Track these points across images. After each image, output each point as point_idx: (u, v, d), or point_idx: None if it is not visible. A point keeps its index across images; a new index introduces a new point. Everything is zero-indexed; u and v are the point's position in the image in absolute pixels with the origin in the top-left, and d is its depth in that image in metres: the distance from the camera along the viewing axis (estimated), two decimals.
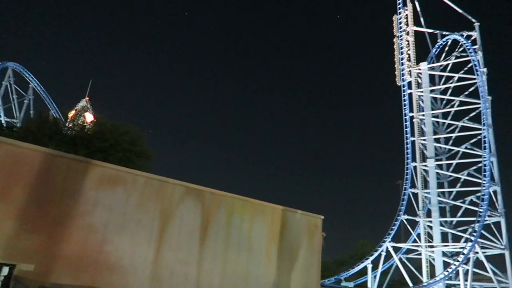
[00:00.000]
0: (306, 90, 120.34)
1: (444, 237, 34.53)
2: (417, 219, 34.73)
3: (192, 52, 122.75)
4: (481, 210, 30.83)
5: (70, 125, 20.45)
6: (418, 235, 34.57)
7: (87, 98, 43.79)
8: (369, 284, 33.29)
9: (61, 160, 8.45)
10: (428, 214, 34.92)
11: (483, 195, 31.28)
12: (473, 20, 37.64)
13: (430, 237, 34.24)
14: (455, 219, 34.81)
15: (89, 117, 31.66)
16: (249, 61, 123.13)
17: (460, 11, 38.15)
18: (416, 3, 39.44)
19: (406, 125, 36.89)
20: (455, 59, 37.84)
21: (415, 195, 35.29)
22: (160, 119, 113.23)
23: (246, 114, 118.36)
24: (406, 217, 34.88)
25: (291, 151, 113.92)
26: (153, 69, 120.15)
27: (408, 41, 38.40)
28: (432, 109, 37.36)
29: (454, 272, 29.86)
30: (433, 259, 33.44)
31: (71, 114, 33.26)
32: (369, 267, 33.38)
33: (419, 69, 38.01)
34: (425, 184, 35.52)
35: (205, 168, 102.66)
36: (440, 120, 37.23)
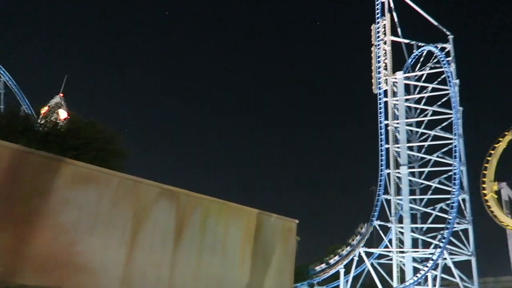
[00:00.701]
0: (282, 93, 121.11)
1: (415, 243, 35.37)
2: (389, 225, 35.44)
3: (173, 50, 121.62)
4: (450, 217, 31.78)
5: (42, 121, 19.83)
6: (390, 241, 35.27)
7: (62, 95, 42.63)
8: None
9: (31, 157, 8.16)
10: (400, 220, 35.70)
11: (453, 202, 32.25)
12: (448, 33, 38.88)
13: (401, 242, 35.01)
14: (425, 226, 35.71)
15: (62, 114, 30.81)
16: (228, 61, 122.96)
17: (436, 23, 39.35)
18: (394, 14, 40.42)
19: (381, 132, 37.65)
20: (430, 69, 38.93)
21: (388, 202, 36.01)
22: (138, 119, 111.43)
23: (224, 117, 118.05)
24: (379, 222, 35.55)
25: (266, 154, 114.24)
26: (133, 68, 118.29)
27: (385, 50, 39.27)
28: (407, 118, 38.30)
29: (423, 277, 30.62)
30: (404, 264, 34.19)
31: (44, 110, 32.27)
32: (342, 271, 33.82)
33: (395, 78, 38.92)
34: (398, 191, 36.31)
35: (183, 169, 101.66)
36: (414, 129, 38.18)
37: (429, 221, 35.40)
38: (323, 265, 34.93)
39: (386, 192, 36.25)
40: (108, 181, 8.82)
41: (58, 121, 20.44)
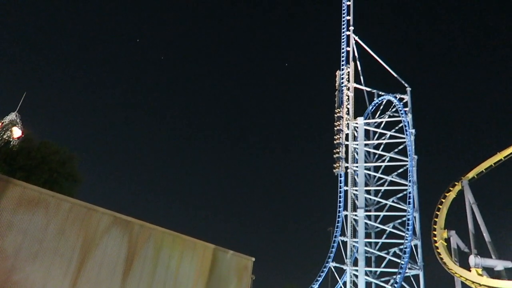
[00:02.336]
0: (244, 131, 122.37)
1: (368, 287, 35.58)
2: (344, 267, 35.60)
3: (136, 72, 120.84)
4: (402, 262, 32.43)
5: None
6: (344, 283, 35.31)
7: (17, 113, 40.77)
8: None
9: None
10: (355, 262, 35.99)
11: (405, 248, 33.03)
12: (406, 85, 41.35)
13: (355, 285, 35.10)
14: (379, 270, 36.15)
15: (16, 132, 29.39)
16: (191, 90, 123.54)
17: (395, 75, 41.83)
18: (358, 63, 42.67)
19: (340, 174, 38.53)
20: (388, 117, 40.86)
21: (344, 243, 36.36)
22: (97, 143, 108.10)
23: (186, 145, 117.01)
24: (334, 264, 35.66)
25: (225, 190, 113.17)
26: (97, 90, 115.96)
27: (348, 96, 41.01)
28: (366, 162, 39.56)
29: None
30: None
31: None
32: None
33: (356, 123, 40.48)
34: (354, 233, 36.82)
35: (141, 198, 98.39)
36: (372, 173, 39.41)
37: (383, 265, 35.92)
38: None
39: (343, 233, 36.68)
40: (58, 206, 8.40)
41: (10, 139, 19.48)
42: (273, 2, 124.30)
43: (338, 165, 38.34)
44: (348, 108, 40.68)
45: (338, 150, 38.65)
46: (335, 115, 40.38)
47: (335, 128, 39.69)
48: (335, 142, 39.14)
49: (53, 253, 8.08)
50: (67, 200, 8.70)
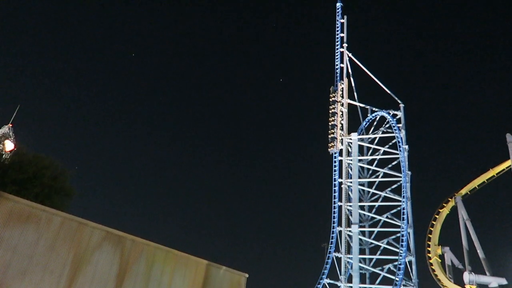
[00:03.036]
0: (240, 146, 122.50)
1: None
2: (338, 283, 35.26)
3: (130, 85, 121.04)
4: (397, 279, 32.21)
5: None
6: None
7: (11, 125, 40.59)
8: None
9: None
10: (350, 279, 35.67)
11: (400, 264, 32.85)
12: (399, 101, 41.79)
13: None
14: (373, 286, 35.81)
15: (9, 145, 29.20)
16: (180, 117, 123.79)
17: (389, 91, 42.29)
18: (352, 79, 43.18)
19: (335, 190, 38.51)
20: (382, 133, 41.12)
21: (339, 259, 36.10)
22: (91, 156, 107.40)
23: (179, 160, 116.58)
24: (328, 281, 35.30)
25: (219, 205, 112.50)
26: (90, 104, 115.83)
27: (342, 111, 41.32)
28: (359, 177, 39.61)
29: None
30: None
31: None
32: None
33: (350, 138, 40.68)
34: (349, 249, 36.61)
35: (134, 212, 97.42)
36: (366, 189, 39.43)
37: (377, 281, 35.63)
38: None
39: (337, 249, 36.43)
40: (49, 220, 8.29)
41: (2, 153, 19.32)
42: (268, 19, 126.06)
43: (332, 144, 39.47)
44: (342, 124, 40.93)
45: (333, 131, 39.73)
46: (330, 100, 41.48)
47: (330, 112, 40.71)
48: (330, 124, 40.48)
49: (43, 269, 7.93)
50: (59, 215, 8.60)
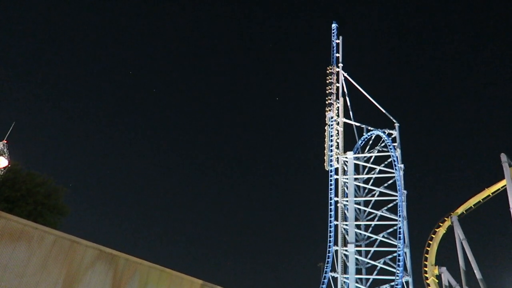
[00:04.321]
0: (235, 164, 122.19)
1: None
2: None
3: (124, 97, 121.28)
4: None
5: None
6: None
7: (5, 141, 40.34)
8: None
9: None
10: None
11: (397, 284, 32.49)
12: (394, 121, 42.12)
13: None
14: None
15: (3, 162, 28.95)
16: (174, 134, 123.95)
17: (384, 111, 42.67)
18: (347, 98, 43.62)
19: (330, 208, 38.32)
20: (378, 152, 41.27)
21: (335, 279, 35.64)
22: (85, 175, 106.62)
23: (172, 178, 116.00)
24: None
25: (213, 223, 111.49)
26: (85, 121, 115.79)
27: (338, 130, 41.53)
28: (356, 196, 39.52)
29: None
30: None
31: None
32: None
33: (346, 157, 40.76)
34: (345, 269, 36.20)
35: (127, 231, 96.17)
36: (362, 208, 39.29)
37: None
38: None
39: (333, 269, 36.01)
40: (41, 239, 8.16)
41: None
42: (263, 38, 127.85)
43: (329, 108, 41.51)
44: (337, 142, 41.09)
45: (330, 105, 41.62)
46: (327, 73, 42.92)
47: (327, 81, 42.35)
48: (326, 100, 41.86)
49: None
50: (51, 233, 8.48)
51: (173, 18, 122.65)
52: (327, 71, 43.79)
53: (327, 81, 43.29)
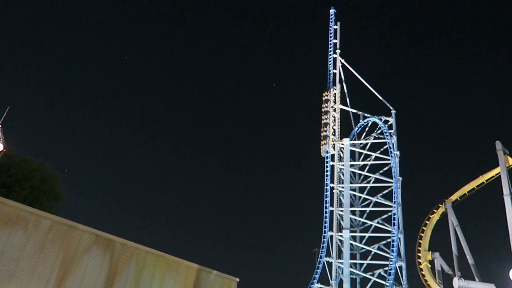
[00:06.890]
0: (231, 151, 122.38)
1: None
2: None
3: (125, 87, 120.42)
4: (387, 284, 32.33)
5: None
6: None
7: (0, 126, 40.02)
8: None
9: None
10: (340, 284, 35.67)
11: (390, 269, 32.99)
12: (391, 108, 42.14)
13: None
14: None
15: None
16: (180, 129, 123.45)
17: (381, 98, 42.64)
18: (344, 85, 43.46)
19: (326, 194, 38.60)
20: (374, 139, 41.40)
21: (329, 264, 36.12)
22: (81, 159, 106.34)
23: (170, 163, 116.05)
24: (319, 285, 35.27)
25: (209, 210, 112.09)
26: (81, 106, 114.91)
27: (334, 117, 41.53)
28: (351, 183, 39.76)
29: None
30: None
31: None
32: None
33: (342, 144, 40.85)
34: (339, 254, 36.66)
35: (124, 216, 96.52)
36: (357, 194, 39.58)
37: (368, 286, 35.71)
38: None
39: (328, 254, 36.46)
40: (37, 223, 8.16)
41: None
42: (261, 24, 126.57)
43: (324, 142, 39.85)
44: (334, 129, 41.13)
45: (325, 129, 40.22)
46: (323, 99, 41.90)
47: (322, 110, 41.30)
48: (322, 122, 41.03)
49: (30, 273, 7.80)
50: (47, 217, 8.47)
51: (168, 11, 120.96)
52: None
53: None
